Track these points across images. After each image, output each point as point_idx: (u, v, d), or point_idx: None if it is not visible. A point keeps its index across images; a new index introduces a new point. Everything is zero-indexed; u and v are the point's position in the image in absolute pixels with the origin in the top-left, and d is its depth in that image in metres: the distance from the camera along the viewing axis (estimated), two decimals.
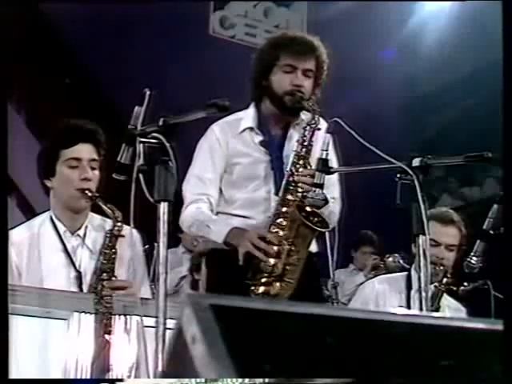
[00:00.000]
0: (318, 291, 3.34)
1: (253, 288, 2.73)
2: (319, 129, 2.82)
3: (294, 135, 2.95)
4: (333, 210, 2.94)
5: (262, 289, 2.73)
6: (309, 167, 2.81)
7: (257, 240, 2.72)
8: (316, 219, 2.77)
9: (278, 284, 2.73)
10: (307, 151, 2.83)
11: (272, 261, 2.73)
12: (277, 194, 2.86)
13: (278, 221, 2.79)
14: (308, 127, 2.84)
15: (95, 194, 2.74)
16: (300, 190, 2.79)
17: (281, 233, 2.77)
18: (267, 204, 2.88)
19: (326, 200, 2.79)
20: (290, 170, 2.83)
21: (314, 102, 2.89)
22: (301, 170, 2.81)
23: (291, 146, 2.92)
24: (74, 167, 2.78)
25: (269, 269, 2.73)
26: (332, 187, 2.95)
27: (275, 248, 2.73)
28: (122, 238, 2.67)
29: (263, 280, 2.73)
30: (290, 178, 2.82)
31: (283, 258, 2.74)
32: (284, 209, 2.80)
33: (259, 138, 2.97)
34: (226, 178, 2.96)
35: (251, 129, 2.97)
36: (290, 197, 2.81)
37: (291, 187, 2.81)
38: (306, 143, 2.83)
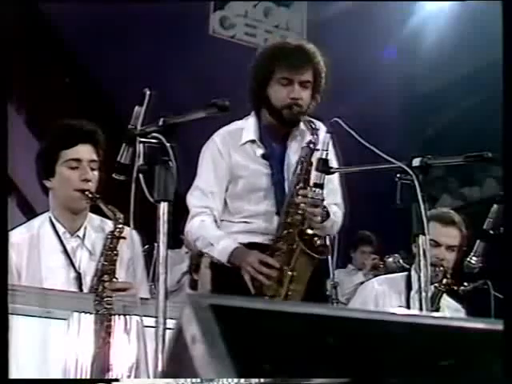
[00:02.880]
0: (321, 290, 3.35)
1: None
2: (318, 149, 2.79)
3: (294, 146, 2.95)
4: (336, 220, 2.95)
5: None
6: (308, 188, 2.79)
7: (258, 265, 2.73)
8: (318, 243, 2.78)
9: None
10: (306, 172, 2.82)
11: (274, 285, 2.74)
12: (277, 211, 2.86)
13: (280, 245, 2.80)
14: (306, 147, 2.83)
15: (95, 195, 2.74)
16: (300, 211, 2.78)
17: (282, 257, 2.77)
18: (270, 216, 2.88)
19: (328, 214, 2.81)
20: (291, 193, 2.83)
21: (311, 120, 2.85)
22: (300, 192, 2.79)
23: (291, 159, 2.92)
24: (73, 168, 2.78)
25: (271, 293, 2.74)
26: (334, 193, 2.96)
27: (277, 273, 2.73)
28: (124, 239, 2.66)
29: None
30: (291, 200, 2.81)
31: (285, 284, 2.74)
32: (285, 232, 2.80)
33: (260, 150, 2.95)
34: (231, 190, 2.95)
35: (253, 141, 2.96)
36: (291, 220, 2.80)
37: (292, 210, 2.80)
38: (305, 163, 2.82)
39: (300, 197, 2.78)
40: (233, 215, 2.95)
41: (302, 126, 2.93)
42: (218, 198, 2.94)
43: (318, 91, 2.94)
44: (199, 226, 2.90)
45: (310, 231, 2.77)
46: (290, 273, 2.75)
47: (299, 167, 2.84)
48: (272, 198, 2.90)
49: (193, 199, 2.94)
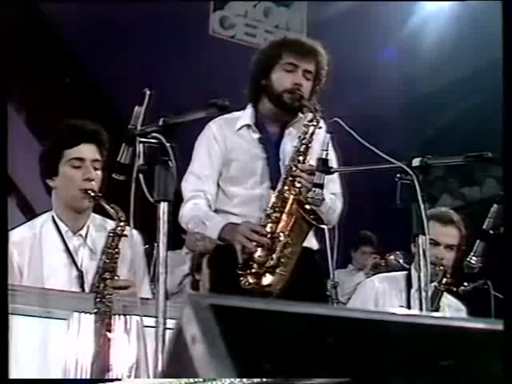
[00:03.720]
0: (321, 289, 3.35)
1: (242, 279, 2.73)
2: (320, 127, 2.85)
3: (292, 133, 2.97)
4: (332, 206, 2.95)
5: (252, 280, 2.74)
6: (307, 164, 2.82)
7: (249, 233, 2.73)
8: (312, 216, 2.80)
9: (269, 275, 2.75)
10: (306, 148, 2.86)
11: (264, 253, 2.74)
12: (273, 189, 2.87)
13: (275, 214, 2.81)
14: (309, 124, 2.86)
15: (98, 194, 2.75)
16: (298, 184, 2.81)
17: (276, 226, 2.78)
18: (265, 201, 2.89)
19: (322, 198, 2.81)
20: (289, 165, 2.85)
21: (316, 102, 2.91)
22: (299, 165, 2.83)
23: (287, 144, 2.94)
24: (77, 167, 2.79)
25: (261, 260, 2.74)
26: (332, 183, 2.96)
27: (269, 240, 2.74)
28: (125, 237, 2.67)
29: (254, 270, 2.74)
30: (288, 173, 2.84)
31: (278, 250, 2.75)
32: (281, 203, 2.82)
33: (256, 135, 2.99)
34: (225, 174, 2.97)
35: (248, 126, 3.00)
36: (287, 191, 2.83)
37: (289, 181, 2.83)
38: (305, 140, 2.86)
39: (298, 170, 2.81)
40: (229, 200, 2.95)
41: (300, 115, 2.95)
42: (211, 181, 2.95)
43: (317, 87, 2.98)
44: (192, 209, 2.91)
45: (307, 206, 2.79)
46: (284, 239, 2.77)
47: (299, 143, 2.87)
48: (267, 181, 2.92)
49: (187, 184, 2.95)
